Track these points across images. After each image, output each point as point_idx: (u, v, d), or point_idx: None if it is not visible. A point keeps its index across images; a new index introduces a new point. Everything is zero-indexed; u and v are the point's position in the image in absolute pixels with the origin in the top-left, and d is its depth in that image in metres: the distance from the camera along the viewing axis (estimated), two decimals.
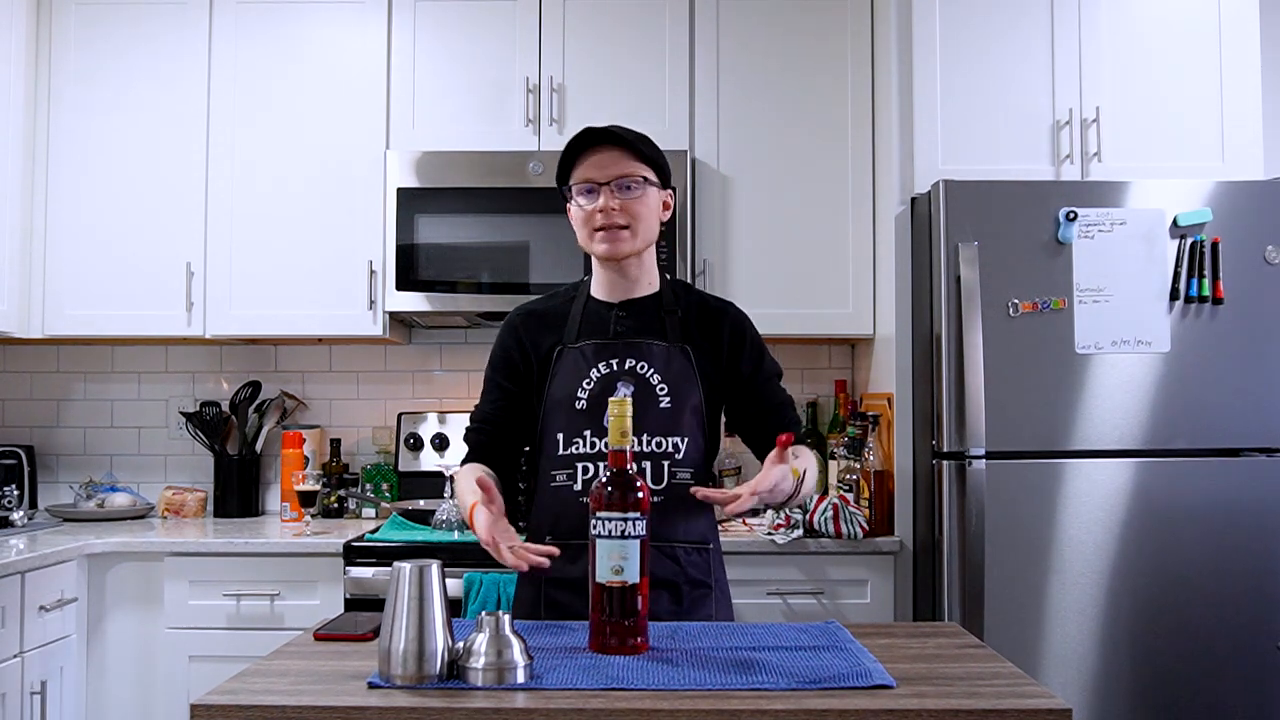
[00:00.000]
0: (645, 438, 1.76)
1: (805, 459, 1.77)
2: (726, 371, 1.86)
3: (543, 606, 1.78)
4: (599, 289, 1.88)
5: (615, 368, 1.79)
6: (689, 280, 3.00)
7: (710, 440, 1.87)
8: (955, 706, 1.21)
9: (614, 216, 1.75)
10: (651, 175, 1.79)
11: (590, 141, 1.77)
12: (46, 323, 3.10)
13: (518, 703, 1.22)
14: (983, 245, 2.62)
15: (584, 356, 1.80)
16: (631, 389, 1.74)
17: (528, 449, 1.90)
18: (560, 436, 1.79)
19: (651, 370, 1.79)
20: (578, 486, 1.76)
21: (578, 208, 1.79)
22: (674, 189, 1.88)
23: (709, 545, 1.83)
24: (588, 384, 1.78)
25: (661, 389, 1.78)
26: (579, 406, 1.78)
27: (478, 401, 1.93)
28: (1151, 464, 2.61)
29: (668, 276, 1.92)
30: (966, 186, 2.66)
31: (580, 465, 1.77)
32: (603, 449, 1.67)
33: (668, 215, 1.85)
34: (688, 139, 3.07)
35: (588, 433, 1.77)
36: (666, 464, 1.77)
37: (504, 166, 3.01)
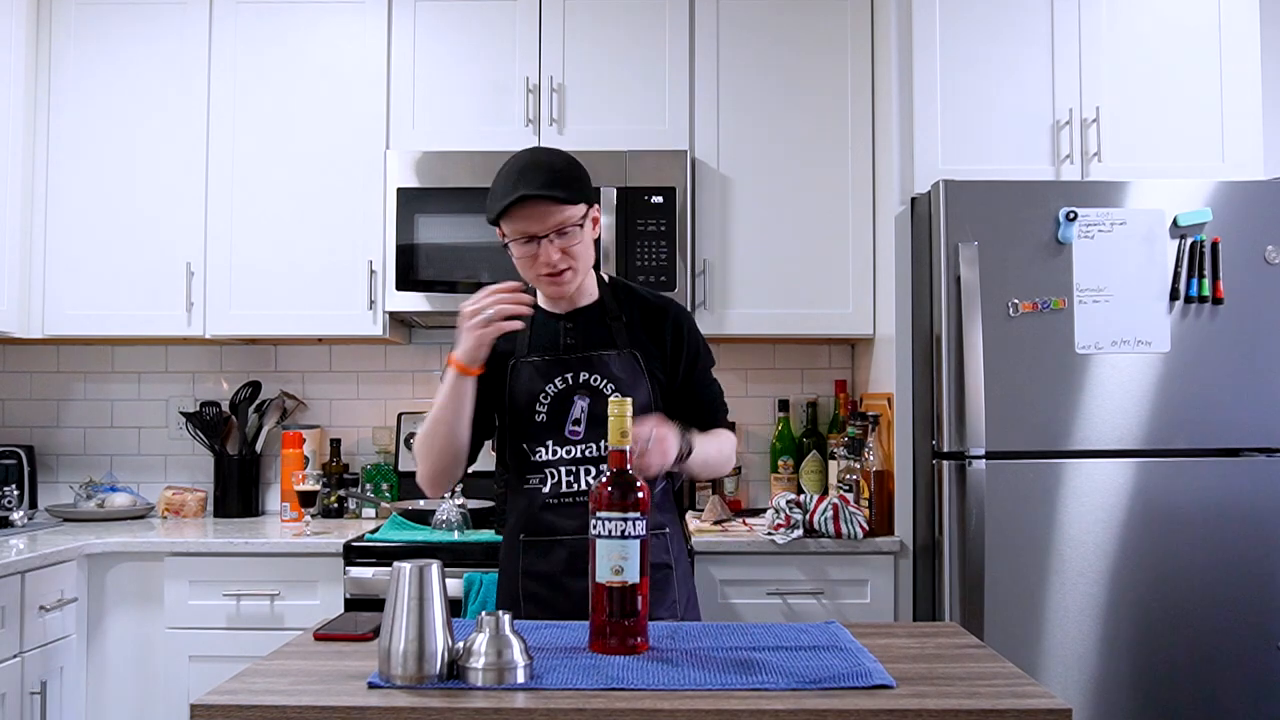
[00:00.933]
0: (603, 444, 1.81)
1: (717, 436, 1.94)
2: (669, 369, 1.94)
3: (521, 598, 1.88)
4: (543, 299, 1.95)
5: (570, 382, 1.88)
6: (689, 279, 3.00)
7: None
8: (955, 706, 1.21)
9: (558, 264, 1.82)
10: (582, 211, 1.82)
11: (519, 201, 1.77)
12: (46, 323, 3.10)
13: (518, 703, 1.22)
14: (983, 245, 2.62)
15: (537, 371, 1.90)
16: (588, 401, 1.86)
17: (492, 443, 2.00)
18: (525, 446, 1.90)
19: (604, 381, 1.88)
20: (546, 489, 1.88)
21: (518, 253, 1.83)
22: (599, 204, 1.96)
23: (665, 530, 1.92)
24: (544, 399, 1.88)
25: (615, 398, 1.82)
26: (539, 420, 1.88)
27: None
28: (1151, 464, 2.61)
29: (605, 278, 1.99)
30: (966, 186, 2.66)
31: (549, 470, 1.89)
32: (563, 455, 1.86)
33: (599, 230, 1.92)
34: (688, 139, 3.07)
35: (550, 442, 1.88)
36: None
37: None
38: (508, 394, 1.90)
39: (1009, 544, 2.59)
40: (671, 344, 1.94)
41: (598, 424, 1.83)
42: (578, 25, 3.10)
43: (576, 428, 1.87)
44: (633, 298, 1.97)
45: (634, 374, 1.89)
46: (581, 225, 1.82)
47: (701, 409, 1.98)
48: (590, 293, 1.95)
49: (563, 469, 1.87)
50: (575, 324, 1.93)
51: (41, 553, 2.54)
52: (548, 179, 1.78)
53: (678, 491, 2.14)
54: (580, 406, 1.86)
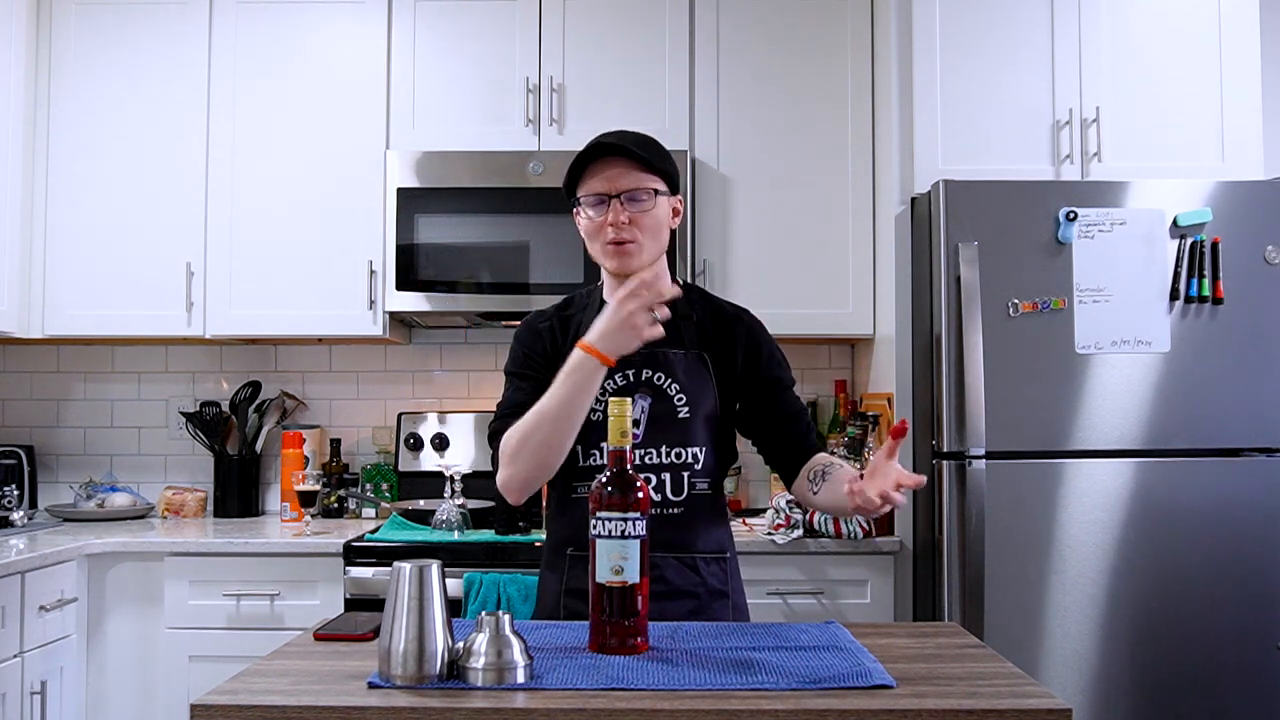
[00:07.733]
0: (664, 449, 1.74)
1: (836, 478, 1.72)
2: (742, 379, 1.82)
3: (561, 614, 1.77)
4: (610, 289, 1.83)
5: (631, 379, 1.75)
6: (689, 281, 2.99)
7: (726, 447, 1.85)
8: (955, 706, 1.21)
9: (623, 231, 1.71)
10: (660, 185, 1.74)
11: (599, 152, 1.72)
12: (46, 323, 3.10)
13: (518, 703, 1.22)
14: (983, 245, 2.62)
15: None
16: (649, 400, 1.73)
17: None
18: (579, 448, 1.75)
19: (669, 380, 1.76)
20: None
21: (587, 219, 1.74)
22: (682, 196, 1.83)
23: (726, 555, 1.82)
24: (603, 395, 1.72)
25: (679, 399, 1.76)
26: (594, 418, 1.71)
27: (500, 399, 1.84)
28: (1151, 464, 2.61)
29: (680, 282, 1.88)
30: (966, 186, 2.66)
31: (600, 477, 1.73)
32: None
33: (678, 222, 1.81)
34: (688, 139, 3.07)
35: (604, 445, 1.67)
36: (686, 475, 1.75)
37: (504, 166, 3.01)
38: None
39: (1009, 544, 2.59)
40: (745, 351, 1.82)
41: (659, 427, 1.73)
42: (578, 25, 3.10)
43: (635, 429, 1.72)
44: (707, 302, 1.87)
45: (701, 377, 1.78)
46: (655, 196, 1.72)
47: (787, 423, 1.84)
48: None
49: None
50: None
51: (41, 553, 2.54)
52: (630, 141, 1.72)
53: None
54: (641, 406, 1.71)
